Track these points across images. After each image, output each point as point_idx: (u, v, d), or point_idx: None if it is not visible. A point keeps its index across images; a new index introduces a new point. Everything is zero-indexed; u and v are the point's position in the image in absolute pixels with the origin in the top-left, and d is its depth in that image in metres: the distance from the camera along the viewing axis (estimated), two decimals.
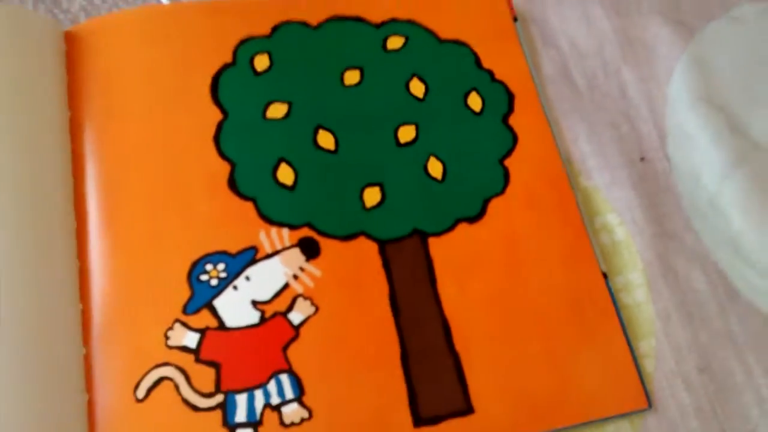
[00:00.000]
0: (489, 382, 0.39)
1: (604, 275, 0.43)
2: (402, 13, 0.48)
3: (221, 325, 0.39)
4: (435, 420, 0.38)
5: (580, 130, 0.47)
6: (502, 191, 0.44)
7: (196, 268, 0.40)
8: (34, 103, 0.40)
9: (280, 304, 0.40)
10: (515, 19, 0.49)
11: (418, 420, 0.38)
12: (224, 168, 0.42)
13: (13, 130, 0.39)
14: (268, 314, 0.39)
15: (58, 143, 0.41)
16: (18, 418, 0.34)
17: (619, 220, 0.45)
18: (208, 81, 0.44)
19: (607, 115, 0.48)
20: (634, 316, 0.43)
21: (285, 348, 0.39)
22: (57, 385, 0.36)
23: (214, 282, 0.39)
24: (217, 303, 0.39)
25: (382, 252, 0.42)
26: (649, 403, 0.40)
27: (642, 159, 0.47)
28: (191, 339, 0.38)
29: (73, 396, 0.36)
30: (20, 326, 0.36)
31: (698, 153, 0.47)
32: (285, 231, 0.41)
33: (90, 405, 0.37)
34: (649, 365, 0.41)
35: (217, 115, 0.43)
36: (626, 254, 0.44)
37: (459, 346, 0.40)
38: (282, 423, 0.37)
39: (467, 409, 0.39)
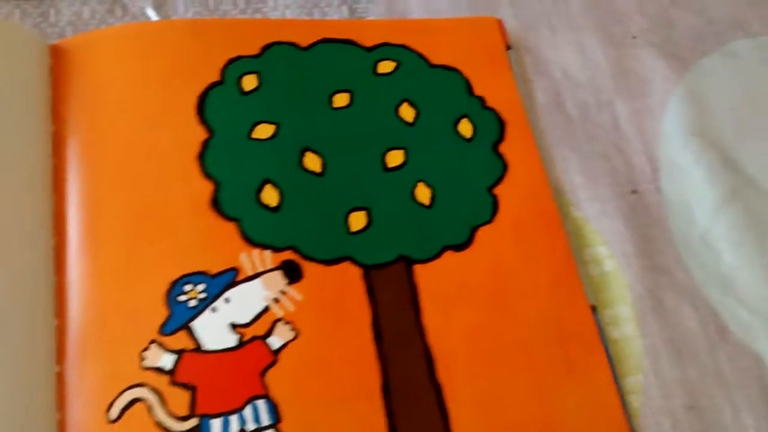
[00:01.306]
0: (471, 415, 0.38)
1: (593, 308, 0.42)
2: (394, 38, 0.47)
3: (198, 348, 0.38)
4: None
5: (572, 160, 0.47)
6: (491, 220, 0.43)
7: (174, 288, 0.39)
8: (16, 116, 0.40)
9: (260, 328, 0.39)
10: (508, 48, 0.49)
11: None
12: (208, 187, 0.41)
13: None
14: (246, 338, 0.38)
15: (40, 156, 0.40)
16: None
17: (609, 253, 0.44)
18: (195, 99, 0.43)
19: (599, 146, 0.47)
20: (622, 351, 0.42)
21: (263, 373, 0.38)
22: (28, 402, 0.35)
23: (192, 303, 0.39)
24: (195, 324, 0.38)
25: (367, 278, 0.41)
26: None
27: (634, 191, 0.46)
28: (167, 360, 0.37)
29: (45, 414, 0.35)
30: None
31: (691, 187, 0.46)
32: (267, 253, 0.40)
33: (61, 424, 0.36)
34: (635, 401, 0.40)
35: (203, 134, 0.42)
36: (615, 287, 0.43)
37: (442, 377, 0.39)
38: None
39: None
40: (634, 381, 0.41)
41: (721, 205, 0.45)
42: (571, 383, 0.40)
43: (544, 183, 0.45)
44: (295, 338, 0.39)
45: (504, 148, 0.45)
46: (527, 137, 0.46)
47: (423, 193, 0.43)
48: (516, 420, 0.39)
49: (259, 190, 0.41)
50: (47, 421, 0.35)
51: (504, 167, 0.45)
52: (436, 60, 0.47)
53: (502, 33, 0.49)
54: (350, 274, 0.41)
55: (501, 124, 0.46)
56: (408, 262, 0.41)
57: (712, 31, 0.52)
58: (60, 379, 0.37)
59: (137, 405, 0.36)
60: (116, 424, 0.36)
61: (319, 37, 0.46)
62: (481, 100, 0.47)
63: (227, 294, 0.39)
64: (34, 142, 0.40)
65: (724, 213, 0.45)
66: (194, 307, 0.38)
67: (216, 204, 0.41)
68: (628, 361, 0.41)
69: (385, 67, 0.47)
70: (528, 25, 0.51)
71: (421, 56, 0.47)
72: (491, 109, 0.47)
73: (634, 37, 0.51)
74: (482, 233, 0.43)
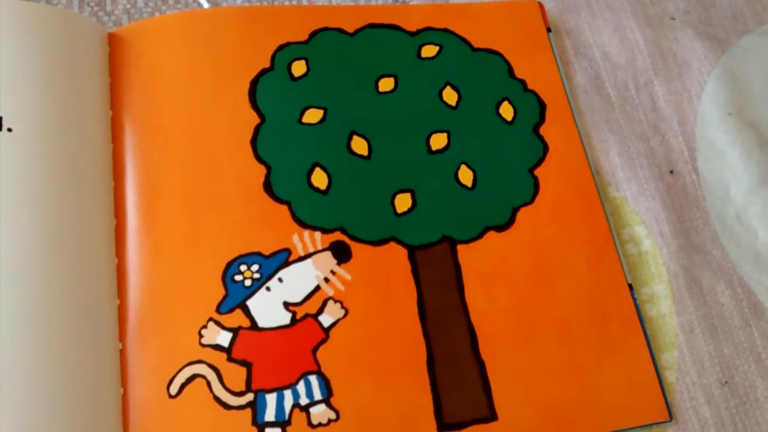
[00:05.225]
0: (513, 390, 0.40)
1: (630, 286, 0.43)
2: (437, 22, 0.49)
3: (253, 325, 0.40)
4: (459, 426, 0.39)
5: (611, 141, 0.48)
6: (532, 200, 0.45)
7: (230, 268, 0.41)
8: (78, 102, 0.41)
9: (311, 307, 0.40)
10: (548, 30, 0.50)
11: (442, 425, 0.39)
12: (260, 171, 0.43)
13: (58, 128, 0.40)
14: (299, 316, 0.40)
15: (100, 142, 0.42)
16: (54, 409, 0.35)
17: (647, 232, 0.45)
18: (247, 85, 0.45)
19: (638, 127, 0.48)
20: (657, 328, 0.43)
21: (315, 350, 0.40)
22: (93, 378, 0.37)
23: (247, 282, 0.40)
24: (250, 303, 0.40)
25: (412, 258, 0.42)
26: (670, 415, 0.41)
27: (671, 172, 0.47)
28: (224, 338, 0.39)
29: (108, 389, 0.37)
30: (58, 320, 0.37)
31: (727, 167, 0.47)
32: (317, 234, 0.42)
33: (124, 399, 0.38)
34: (671, 377, 0.42)
35: (255, 119, 0.44)
36: (652, 266, 0.44)
37: (484, 353, 0.41)
38: (310, 423, 0.38)
39: (491, 416, 0.39)
40: (670, 357, 0.42)
41: (757, 184, 0.46)
42: (609, 360, 0.41)
43: (584, 164, 0.46)
44: (344, 316, 0.40)
45: (544, 130, 0.47)
46: (567, 119, 0.47)
47: (466, 175, 0.45)
48: (555, 395, 0.40)
49: (309, 173, 0.43)
50: (111, 395, 0.37)
51: (544, 149, 0.46)
52: (478, 43, 0.48)
53: (543, 15, 0.50)
54: (396, 255, 0.42)
55: (542, 107, 0.47)
56: (451, 243, 0.43)
57: (751, 11, 0.53)
58: (122, 356, 0.39)
59: (196, 380, 0.38)
60: (176, 399, 0.38)
61: (365, 23, 0.48)
62: (522, 82, 0.48)
63: (280, 274, 0.41)
64: (95, 129, 0.42)
65: (759, 193, 0.46)
66: (249, 287, 0.40)
67: (268, 187, 0.42)
68: (664, 338, 0.43)
69: (429, 51, 0.48)
70: (567, 8, 0.52)
71: (463, 40, 0.48)
72: (532, 92, 0.48)
73: (673, 18, 0.52)
74: (523, 214, 0.44)
